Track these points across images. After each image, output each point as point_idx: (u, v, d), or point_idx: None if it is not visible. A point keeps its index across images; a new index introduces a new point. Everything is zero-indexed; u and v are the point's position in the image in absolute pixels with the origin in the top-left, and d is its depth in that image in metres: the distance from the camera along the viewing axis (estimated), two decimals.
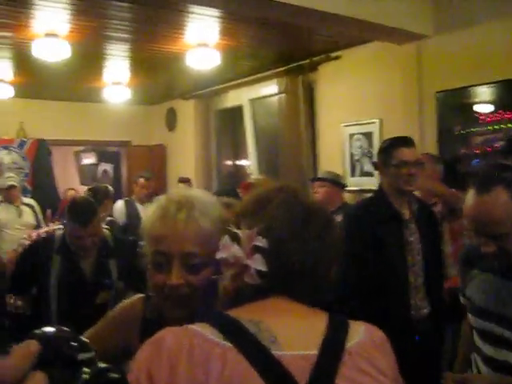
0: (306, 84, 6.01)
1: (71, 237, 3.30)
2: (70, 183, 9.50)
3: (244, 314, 1.18)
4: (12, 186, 6.59)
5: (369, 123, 5.36)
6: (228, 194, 5.18)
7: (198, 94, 7.60)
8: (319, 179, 5.27)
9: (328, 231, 1.30)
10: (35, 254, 3.41)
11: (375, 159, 3.75)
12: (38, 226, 6.50)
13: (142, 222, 1.54)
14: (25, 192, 7.27)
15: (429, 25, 4.79)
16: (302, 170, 5.92)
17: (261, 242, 1.21)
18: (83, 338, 0.82)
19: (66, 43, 4.98)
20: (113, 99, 7.18)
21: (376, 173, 5.31)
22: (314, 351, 1.14)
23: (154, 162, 8.49)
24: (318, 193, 5.18)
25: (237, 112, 7.41)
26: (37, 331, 0.80)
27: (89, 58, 5.88)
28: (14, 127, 7.68)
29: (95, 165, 9.81)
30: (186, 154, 8.03)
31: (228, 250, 1.23)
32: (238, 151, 7.88)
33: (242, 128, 7.38)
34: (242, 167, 7.74)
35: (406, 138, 3.66)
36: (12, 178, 6.76)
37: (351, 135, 5.60)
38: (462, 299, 2.27)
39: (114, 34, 5.08)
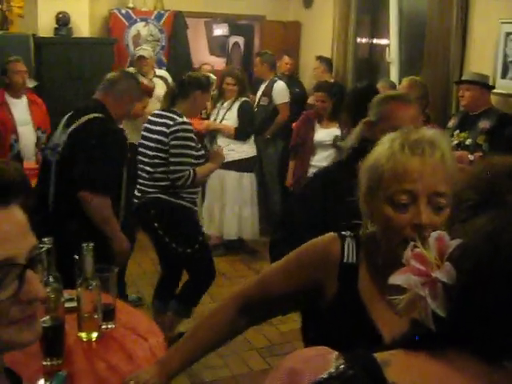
0: None
1: None
2: (199, 54, 9.52)
3: (404, 377, 0.86)
4: (141, 57, 6.61)
5: None
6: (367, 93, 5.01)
7: None
8: (466, 82, 5.00)
9: None
10: None
11: None
12: None
13: (375, 157, 1.51)
14: (160, 64, 7.35)
15: None
16: (448, 66, 5.59)
17: (447, 274, 0.87)
18: None
19: None
20: None
21: None
22: None
23: (288, 38, 8.28)
24: (464, 96, 4.95)
25: None
26: None
27: None
28: None
29: (226, 36, 9.70)
30: (321, 32, 7.75)
31: (404, 275, 0.92)
32: (378, 35, 7.53)
33: (385, 9, 6.98)
34: (380, 52, 7.42)
35: None
36: (143, 50, 6.72)
37: (508, 34, 5.17)
38: None
39: None
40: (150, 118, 4.26)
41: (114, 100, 3.57)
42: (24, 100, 5.47)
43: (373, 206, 1.53)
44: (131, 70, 6.76)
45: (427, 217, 1.41)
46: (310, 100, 6.57)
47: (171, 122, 4.03)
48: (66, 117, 3.61)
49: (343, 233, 1.66)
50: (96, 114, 3.48)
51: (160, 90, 6.54)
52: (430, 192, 1.42)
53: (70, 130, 3.45)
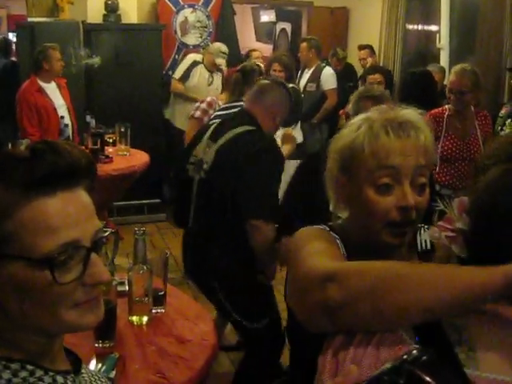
0: None
1: None
2: (246, 41, 9.50)
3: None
4: (220, 69, 6.59)
5: None
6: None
7: None
8: None
9: None
10: None
11: None
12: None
13: (352, 139, 1.40)
14: None
15: None
16: (501, 53, 5.46)
17: (462, 222, 1.09)
18: None
19: None
20: None
21: None
22: None
23: (336, 25, 8.22)
24: None
25: None
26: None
27: None
28: None
29: (273, 23, 9.65)
30: (370, 19, 7.66)
31: (430, 231, 1.17)
32: (428, 21, 7.39)
33: None
34: (431, 38, 7.30)
35: None
36: (224, 56, 6.61)
37: None
38: None
39: None
40: (219, 113, 4.10)
41: (264, 111, 3.13)
42: (53, 84, 5.54)
43: (349, 190, 1.42)
44: (198, 56, 6.74)
45: (413, 198, 1.34)
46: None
47: None
48: (211, 128, 3.22)
49: (318, 226, 1.50)
50: (246, 127, 3.06)
51: (216, 85, 6.59)
52: (413, 172, 1.35)
53: (218, 146, 3.06)
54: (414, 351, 0.83)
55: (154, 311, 2.27)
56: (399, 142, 1.34)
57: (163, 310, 2.31)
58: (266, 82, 3.34)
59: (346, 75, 7.21)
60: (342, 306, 1.10)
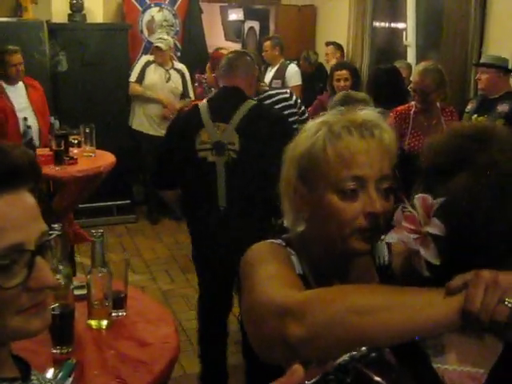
0: None
1: None
2: (214, 39, 9.44)
3: None
4: (157, 48, 6.54)
5: None
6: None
7: None
8: (482, 65, 4.91)
9: None
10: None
11: None
12: (184, 95, 6.58)
13: (311, 144, 1.31)
14: (174, 50, 7.26)
15: None
16: (467, 48, 5.49)
17: (436, 228, 1.04)
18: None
19: None
20: None
21: None
22: (482, 369, 1.02)
23: (303, 23, 8.20)
24: (481, 79, 4.86)
25: None
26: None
27: None
28: None
29: (241, 21, 9.62)
30: (337, 16, 7.67)
31: (398, 234, 1.11)
32: (395, 19, 7.43)
33: None
34: (398, 35, 7.34)
35: None
36: (162, 41, 6.62)
37: None
38: None
39: None
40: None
41: (245, 81, 3.26)
42: (20, 85, 5.44)
43: (310, 199, 1.32)
44: (150, 57, 6.70)
45: (380, 204, 1.25)
46: None
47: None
48: (205, 112, 3.21)
49: (274, 241, 1.41)
50: (251, 101, 3.21)
51: (175, 83, 6.54)
52: (378, 177, 1.27)
53: (235, 125, 3.12)
54: (363, 348, 0.80)
55: (114, 314, 2.22)
56: (363, 142, 1.26)
57: (124, 313, 2.26)
58: (231, 55, 3.46)
59: (318, 75, 7.26)
60: (304, 342, 1.08)
